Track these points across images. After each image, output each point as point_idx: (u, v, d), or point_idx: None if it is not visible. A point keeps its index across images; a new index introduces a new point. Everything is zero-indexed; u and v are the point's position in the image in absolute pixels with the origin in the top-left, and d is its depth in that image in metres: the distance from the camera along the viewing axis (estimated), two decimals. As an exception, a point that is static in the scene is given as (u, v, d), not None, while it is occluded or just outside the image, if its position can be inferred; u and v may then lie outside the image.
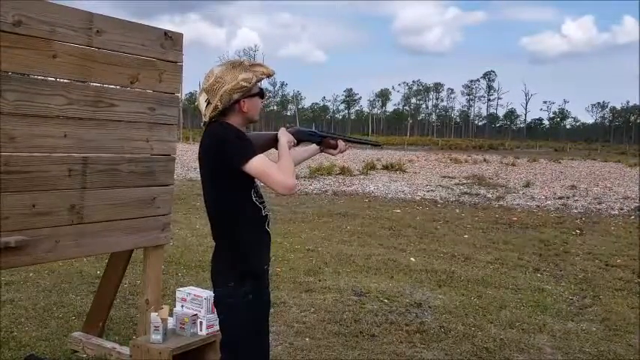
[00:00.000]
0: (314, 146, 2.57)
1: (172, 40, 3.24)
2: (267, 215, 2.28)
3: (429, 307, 4.91)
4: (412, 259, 6.77)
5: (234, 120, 2.20)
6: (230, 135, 2.14)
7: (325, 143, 2.53)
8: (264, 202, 2.28)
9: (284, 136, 2.31)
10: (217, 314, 2.33)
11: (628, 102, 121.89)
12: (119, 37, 2.97)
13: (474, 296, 5.29)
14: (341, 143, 2.53)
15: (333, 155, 2.62)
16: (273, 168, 2.09)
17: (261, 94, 2.27)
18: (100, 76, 2.92)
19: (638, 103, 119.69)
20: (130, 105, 3.06)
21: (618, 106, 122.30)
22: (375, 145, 3.07)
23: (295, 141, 2.39)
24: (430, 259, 6.78)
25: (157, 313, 3.12)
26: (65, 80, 2.79)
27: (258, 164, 2.07)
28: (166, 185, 3.34)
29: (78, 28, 2.79)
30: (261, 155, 2.11)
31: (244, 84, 2.14)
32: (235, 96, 2.15)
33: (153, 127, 3.20)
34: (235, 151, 2.09)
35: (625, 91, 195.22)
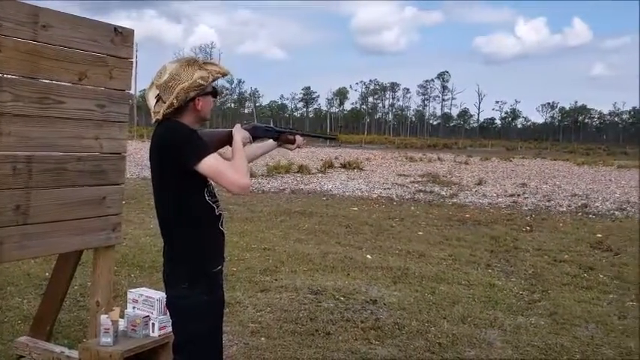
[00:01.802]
0: (270, 141, 2.55)
1: (123, 35, 3.17)
2: (220, 215, 2.26)
3: (384, 303, 4.97)
4: (368, 256, 6.83)
5: (187, 118, 2.17)
6: (182, 134, 2.11)
7: (282, 138, 2.52)
8: (217, 201, 2.26)
9: (239, 134, 2.28)
10: (170, 316, 2.29)
11: (576, 102, 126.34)
12: (67, 32, 2.89)
13: (428, 292, 5.39)
14: (298, 138, 2.52)
15: (290, 150, 2.61)
16: (227, 167, 2.08)
17: (214, 93, 2.25)
18: (47, 72, 2.83)
19: (585, 104, 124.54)
20: (79, 102, 2.98)
21: (567, 107, 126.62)
22: (332, 139, 3.04)
23: (251, 138, 2.37)
24: (386, 256, 6.86)
25: (107, 315, 3.05)
26: (11, 76, 2.68)
27: (211, 164, 2.05)
28: (117, 184, 3.26)
29: (23, 22, 2.69)
30: (215, 154, 2.09)
31: (201, 82, 2.13)
32: (192, 94, 2.13)
33: (103, 124, 3.12)
34: (188, 151, 2.06)
35: (574, 92, 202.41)
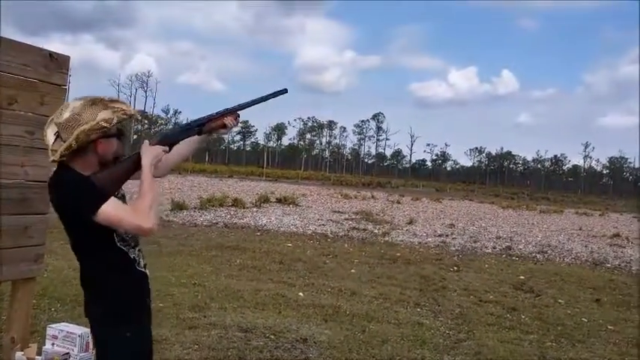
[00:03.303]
0: (194, 138, 2.30)
1: (58, 62, 3.10)
2: (135, 257, 2.19)
3: (315, 342, 4.95)
4: (300, 293, 6.80)
5: (87, 160, 2.06)
6: (75, 187, 2.00)
7: (207, 129, 2.26)
8: (129, 244, 2.17)
9: (147, 156, 2.08)
10: (96, 355, 2.22)
11: (502, 148, 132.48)
12: (-2, 54, 2.79)
13: (358, 331, 5.41)
14: (228, 120, 2.26)
15: (225, 134, 2.36)
16: (127, 213, 1.97)
17: (119, 134, 2.13)
18: (-27, 94, 2.71)
19: (510, 150, 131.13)
20: (6, 127, 2.87)
21: (493, 152, 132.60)
22: (281, 93, 2.34)
23: (167, 149, 2.18)
24: (318, 294, 6.86)
25: (22, 353, 2.88)
26: None
27: (108, 213, 1.94)
28: (42, 214, 3.13)
29: (-50, 42, 2.59)
30: (111, 200, 1.97)
31: (104, 124, 2.01)
32: (93, 136, 2.01)
33: (30, 151, 3.01)
34: (82, 204, 1.96)
35: (500, 138, 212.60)
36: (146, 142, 2.15)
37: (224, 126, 2.26)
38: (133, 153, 2.14)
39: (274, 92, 2.32)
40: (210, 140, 2.38)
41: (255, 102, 2.29)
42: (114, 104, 2.07)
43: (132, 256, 2.17)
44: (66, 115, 2.02)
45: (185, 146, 2.33)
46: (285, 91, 2.34)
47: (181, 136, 2.25)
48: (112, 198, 1.99)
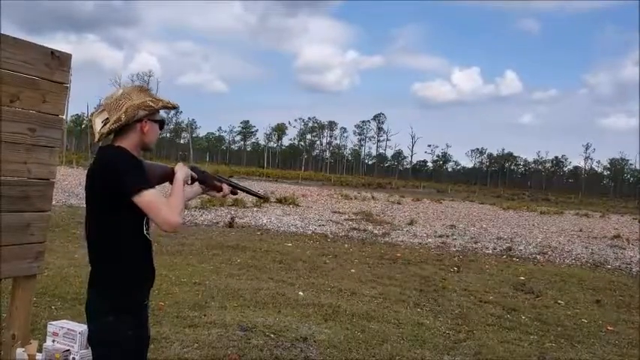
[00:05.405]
0: (197, 187, 2.50)
1: (60, 60, 3.10)
2: (152, 249, 2.24)
3: (315, 341, 4.95)
4: (300, 293, 6.81)
5: (131, 140, 2.14)
6: (125, 161, 2.06)
7: (209, 183, 2.48)
8: (149, 238, 2.22)
9: (181, 171, 2.25)
10: (92, 351, 2.20)
11: (503, 149, 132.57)
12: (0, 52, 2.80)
13: (358, 330, 5.41)
14: (225, 187, 2.49)
15: (216, 197, 2.61)
16: (163, 204, 2.03)
17: (162, 123, 2.25)
18: (-25, 92, 2.72)
19: (512, 151, 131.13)
20: (8, 125, 2.87)
21: (495, 153, 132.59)
22: (263, 199, 2.99)
23: (195, 176, 2.36)
24: (318, 294, 6.86)
25: (23, 349, 2.89)
26: None
27: (149, 197, 2.00)
28: (43, 211, 3.14)
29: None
30: (155, 189, 2.05)
31: (151, 104, 2.14)
32: (141, 113, 2.11)
33: (32, 149, 3.02)
34: (130, 180, 2.01)
35: (501, 139, 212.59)
36: (181, 163, 2.32)
37: (220, 189, 2.48)
38: (169, 166, 2.32)
39: (260, 194, 2.92)
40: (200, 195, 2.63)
41: (246, 190, 2.66)
42: (159, 99, 2.22)
43: (152, 248, 2.22)
44: (116, 96, 2.14)
45: (187, 193, 2.53)
46: (267, 198, 2.71)
47: (197, 174, 2.43)
48: (154, 188, 2.07)
